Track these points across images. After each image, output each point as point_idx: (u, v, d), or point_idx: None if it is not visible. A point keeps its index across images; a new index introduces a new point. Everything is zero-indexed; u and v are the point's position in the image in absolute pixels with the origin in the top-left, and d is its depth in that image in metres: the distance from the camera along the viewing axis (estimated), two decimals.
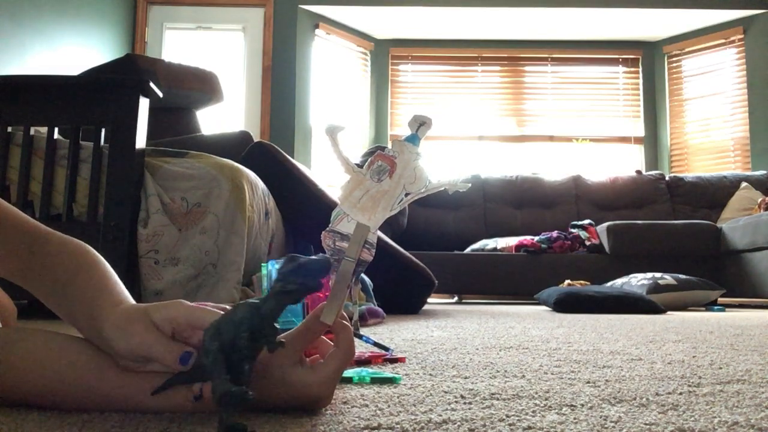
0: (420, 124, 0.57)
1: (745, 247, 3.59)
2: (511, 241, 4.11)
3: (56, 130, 1.92)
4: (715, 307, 3.24)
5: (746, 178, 4.58)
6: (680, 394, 0.67)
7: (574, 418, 0.54)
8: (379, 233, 0.71)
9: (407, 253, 2.52)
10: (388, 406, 0.59)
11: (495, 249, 4.13)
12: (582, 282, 3.42)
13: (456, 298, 4.59)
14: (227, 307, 0.60)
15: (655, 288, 3.08)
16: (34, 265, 0.58)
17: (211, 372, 0.48)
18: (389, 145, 1.91)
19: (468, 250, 4.27)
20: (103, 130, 1.88)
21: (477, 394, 0.65)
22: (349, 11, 5.16)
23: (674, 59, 5.51)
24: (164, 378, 0.53)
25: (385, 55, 5.58)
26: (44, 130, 1.93)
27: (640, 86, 5.58)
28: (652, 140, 5.53)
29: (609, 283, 3.46)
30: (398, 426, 0.51)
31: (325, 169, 4.91)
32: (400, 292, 2.40)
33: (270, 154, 2.38)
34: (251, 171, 2.07)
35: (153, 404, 0.53)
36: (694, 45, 5.38)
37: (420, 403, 0.61)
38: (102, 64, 2.71)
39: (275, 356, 0.53)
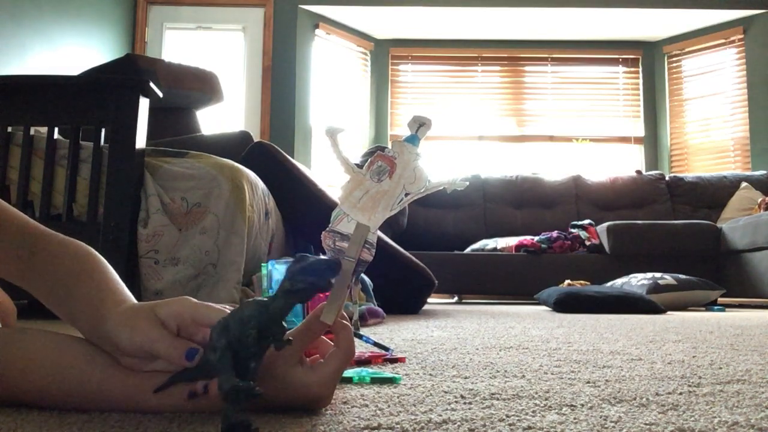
0: (420, 124, 0.57)
1: (745, 247, 3.59)
2: (511, 241, 4.11)
3: (56, 130, 1.92)
4: (715, 307, 3.24)
5: (746, 178, 4.58)
6: (680, 394, 0.67)
7: (574, 418, 0.54)
8: (379, 233, 0.71)
9: (407, 253, 2.52)
10: (388, 406, 0.59)
11: (495, 249, 4.13)
12: (582, 282, 3.42)
13: (456, 298, 4.59)
14: (228, 307, 0.60)
15: (655, 288, 3.08)
16: (35, 266, 0.58)
17: (217, 368, 0.48)
18: (389, 146, 1.91)
19: (468, 250, 4.27)
20: (103, 130, 1.88)
21: (477, 394, 0.65)
22: (349, 11, 5.16)
23: (674, 59, 5.51)
24: (165, 378, 0.53)
25: (385, 55, 5.59)
26: (44, 130, 1.93)
27: (640, 86, 5.58)
28: (652, 140, 5.53)
29: (609, 283, 3.46)
30: (398, 426, 0.51)
31: (325, 169, 4.91)
32: (400, 292, 2.40)
33: (270, 154, 2.38)
34: (251, 171, 2.07)
35: (153, 404, 0.53)
36: (694, 45, 5.38)
37: (420, 403, 0.61)
38: (102, 64, 2.71)
39: (275, 356, 0.53)
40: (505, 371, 0.83)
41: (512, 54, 5.65)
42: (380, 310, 1.88)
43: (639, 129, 5.56)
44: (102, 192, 1.83)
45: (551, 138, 5.58)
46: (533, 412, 0.57)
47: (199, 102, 2.89)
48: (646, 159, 5.51)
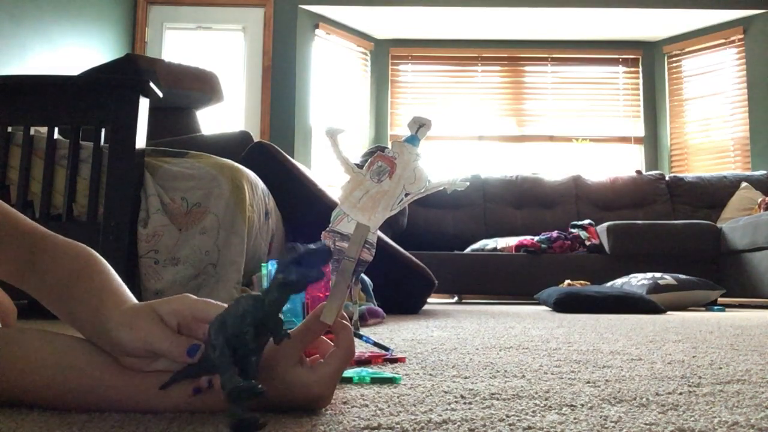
0: (419, 125, 0.57)
1: (745, 247, 3.59)
2: (511, 241, 4.11)
3: (56, 130, 1.92)
4: (715, 307, 3.24)
5: (746, 178, 4.58)
6: (680, 394, 0.67)
7: (574, 418, 0.54)
8: (379, 233, 0.71)
9: (407, 253, 2.52)
10: (388, 406, 0.59)
11: (495, 249, 4.13)
12: (582, 282, 3.42)
13: (456, 298, 4.59)
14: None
15: (655, 288, 3.08)
16: (35, 268, 0.58)
17: (218, 366, 0.48)
18: (389, 146, 1.91)
19: (468, 250, 4.27)
20: (103, 130, 1.88)
21: (477, 394, 0.65)
22: (349, 11, 5.16)
23: (674, 59, 5.51)
24: (166, 377, 0.53)
25: (385, 55, 5.59)
26: (44, 130, 1.93)
27: (640, 86, 5.58)
28: (652, 140, 5.53)
29: (609, 283, 3.46)
30: (398, 426, 0.51)
31: (325, 169, 4.91)
32: (400, 292, 2.40)
33: (270, 154, 2.38)
34: (251, 171, 2.07)
35: (153, 404, 0.53)
36: (694, 45, 5.39)
37: (420, 403, 0.61)
38: (102, 64, 2.71)
39: (275, 356, 0.53)
40: (505, 371, 0.83)
41: (512, 54, 5.65)
42: (380, 310, 1.88)
43: (639, 129, 5.56)
44: (102, 192, 1.83)
45: (551, 138, 5.59)
46: (533, 412, 0.57)
47: (199, 102, 2.89)
48: (646, 159, 5.51)
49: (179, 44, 5.10)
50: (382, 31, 5.49)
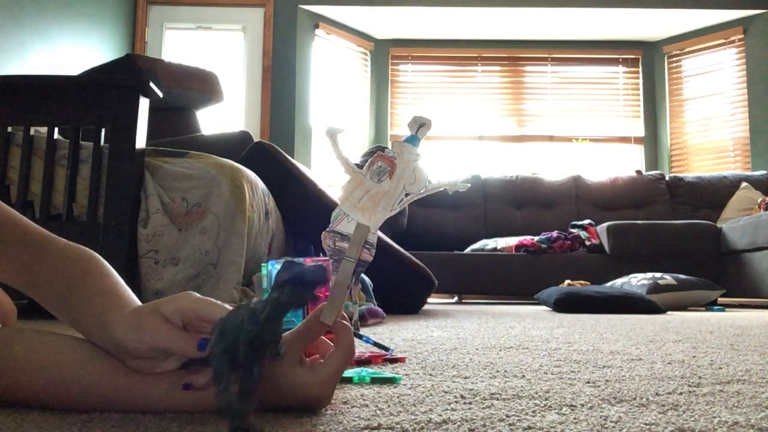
0: (420, 125, 0.57)
1: (745, 247, 3.59)
2: (511, 241, 4.11)
3: (56, 130, 1.92)
4: (715, 307, 3.24)
5: (746, 178, 4.58)
6: (680, 394, 0.67)
7: (574, 418, 0.54)
8: (380, 233, 0.71)
9: (407, 254, 2.52)
10: (388, 406, 0.59)
11: (495, 249, 4.13)
12: (582, 282, 3.42)
13: (456, 298, 4.59)
14: (227, 306, 0.60)
15: (655, 288, 3.08)
16: (38, 271, 0.58)
17: (215, 377, 0.47)
18: (389, 146, 1.91)
19: (468, 250, 4.27)
20: (103, 130, 1.88)
21: (477, 394, 0.65)
22: (349, 11, 5.16)
23: (674, 59, 5.51)
24: (167, 377, 0.53)
25: (385, 55, 5.59)
26: (44, 130, 1.93)
27: (640, 86, 5.58)
28: (652, 140, 5.53)
29: (609, 283, 3.46)
30: (398, 426, 0.51)
31: (325, 169, 4.91)
32: (400, 292, 2.40)
33: (270, 154, 2.38)
34: (251, 171, 2.07)
35: (153, 404, 0.54)
36: (694, 45, 5.39)
37: (420, 403, 0.61)
38: (102, 64, 2.71)
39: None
40: (505, 371, 0.83)
41: (512, 54, 5.65)
42: (380, 310, 1.88)
43: (639, 129, 5.56)
44: (102, 192, 1.83)
45: (551, 138, 5.59)
46: (533, 412, 0.57)
47: (199, 102, 2.89)
48: (646, 159, 5.51)
49: (179, 44, 5.10)
50: (382, 31, 5.49)
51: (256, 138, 3.01)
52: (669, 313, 2.76)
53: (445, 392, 0.66)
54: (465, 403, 0.60)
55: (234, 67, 5.06)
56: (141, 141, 1.86)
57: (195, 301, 0.54)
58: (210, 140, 2.50)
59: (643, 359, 0.97)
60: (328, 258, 0.58)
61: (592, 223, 4.29)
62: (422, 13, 5.17)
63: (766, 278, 3.41)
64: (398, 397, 0.63)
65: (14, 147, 1.91)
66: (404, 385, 0.71)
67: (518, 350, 1.09)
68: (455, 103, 5.61)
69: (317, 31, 5.20)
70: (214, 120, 3.91)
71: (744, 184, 4.51)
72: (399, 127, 5.56)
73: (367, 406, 0.59)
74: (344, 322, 0.57)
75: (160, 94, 1.96)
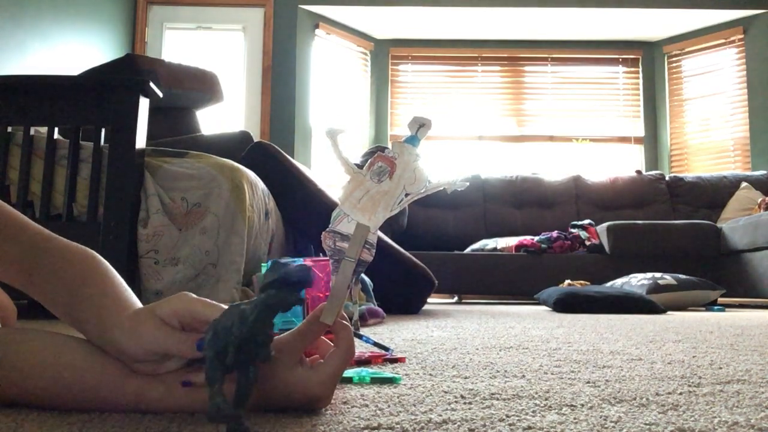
0: (420, 125, 0.57)
1: (745, 247, 3.59)
2: (511, 241, 4.11)
3: (56, 130, 1.92)
4: (715, 307, 3.24)
5: (746, 178, 4.58)
6: (680, 394, 0.67)
7: (574, 418, 0.54)
8: (380, 233, 0.71)
9: (407, 253, 2.52)
10: (388, 406, 0.59)
11: (495, 249, 4.13)
12: (582, 282, 3.42)
13: (456, 298, 4.59)
14: (224, 307, 0.60)
15: (655, 288, 3.08)
16: (38, 270, 0.58)
17: (208, 381, 0.47)
18: (389, 146, 1.92)
19: (468, 250, 4.27)
20: (103, 130, 1.88)
21: (477, 394, 0.65)
22: (349, 11, 5.16)
23: (674, 59, 5.51)
24: (167, 377, 0.53)
25: (385, 55, 5.59)
26: (44, 130, 1.93)
27: (640, 86, 5.58)
28: (652, 140, 5.53)
29: (609, 283, 3.46)
30: (398, 426, 0.51)
31: (325, 169, 4.91)
32: (400, 292, 2.40)
33: (270, 154, 2.38)
34: (251, 171, 2.07)
35: (153, 404, 0.54)
36: (694, 45, 5.39)
37: (420, 403, 0.61)
38: (102, 64, 2.71)
39: (275, 356, 0.53)
40: (505, 371, 0.83)
41: (512, 54, 5.65)
42: (380, 310, 1.88)
43: (639, 129, 5.56)
44: (102, 192, 1.83)
45: (551, 138, 5.59)
46: (533, 412, 0.57)
47: (199, 102, 2.89)
48: (646, 159, 5.51)
49: (179, 44, 5.10)
50: (382, 31, 5.49)
51: (256, 138, 3.01)
52: (669, 313, 2.76)
53: (445, 392, 0.66)
54: (465, 403, 0.60)
55: (234, 67, 5.06)
56: (141, 141, 1.86)
57: (190, 302, 0.54)
58: (210, 140, 2.50)
59: (643, 359, 0.97)
60: (328, 258, 0.58)
61: (592, 223, 4.29)
62: (422, 13, 5.17)
63: (766, 278, 3.41)
64: (398, 397, 0.63)
65: (14, 147, 1.91)
66: (404, 385, 0.71)
67: (518, 350, 1.09)
68: (455, 103, 5.61)
69: (317, 31, 5.20)
70: (214, 120, 3.91)
71: (744, 184, 4.51)
72: (399, 127, 5.56)
73: (367, 406, 0.59)
74: (344, 322, 0.57)
75: (160, 94, 1.96)
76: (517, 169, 5.07)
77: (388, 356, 0.92)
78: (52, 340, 0.55)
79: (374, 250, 0.57)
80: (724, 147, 5.26)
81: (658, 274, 3.24)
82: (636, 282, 3.23)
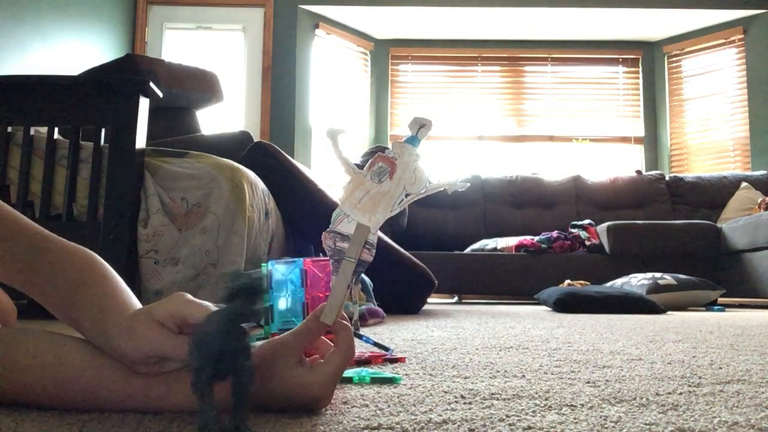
0: (420, 126, 0.58)
1: (745, 247, 3.59)
2: (511, 241, 4.11)
3: (56, 130, 1.92)
4: (715, 307, 3.24)
5: (746, 178, 4.58)
6: (680, 394, 0.67)
7: (574, 418, 0.54)
8: (380, 233, 0.71)
9: (407, 254, 2.52)
10: (388, 406, 0.59)
11: (495, 249, 4.13)
12: (582, 282, 3.42)
13: (456, 298, 4.59)
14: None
15: (655, 288, 3.08)
16: (38, 271, 0.58)
17: (196, 394, 0.46)
18: (389, 145, 1.91)
19: (468, 250, 4.27)
20: (103, 130, 1.88)
21: (477, 394, 0.65)
22: (349, 11, 5.16)
23: (674, 59, 5.51)
24: (167, 377, 0.54)
25: (385, 55, 5.59)
26: (44, 130, 1.93)
27: (640, 86, 5.58)
28: (652, 140, 5.53)
29: (609, 283, 3.46)
30: (398, 426, 0.51)
31: (325, 169, 4.91)
32: (400, 292, 2.40)
33: (270, 154, 2.38)
34: (251, 171, 2.07)
35: (153, 404, 0.54)
36: (694, 45, 5.38)
37: (420, 403, 0.61)
38: (102, 64, 2.70)
39: (275, 356, 0.54)
40: (505, 371, 0.83)
41: (512, 54, 5.65)
42: (380, 310, 1.88)
43: (639, 129, 5.56)
44: (102, 192, 1.83)
45: (551, 138, 5.59)
46: (533, 412, 0.57)
47: (199, 102, 2.89)
48: (646, 159, 5.51)
49: (179, 44, 5.10)
50: (382, 31, 5.49)
51: (256, 138, 3.01)
52: (669, 313, 2.76)
53: (445, 392, 0.66)
54: (465, 403, 0.60)
55: (234, 67, 5.06)
56: (141, 141, 1.86)
57: (185, 304, 0.53)
58: (210, 140, 2.50)
59: (643, 359, 0.97)
60: (328, 258, 0.58)
61: (592, 223, 4.29)
62: (422, 13, 5.17)
63: (766, 278, 3.41)
64: (398, 397, 0.63)
65: (14, 147, 1.91)
66: (404, 385, 0.71)
67: (518, 350, 1.09)
68: (455, 103, 5.61)
69: (317, 31, 5.20)
70: (214, 120, 3.91)
71: (744, 184, 4.51)
72: (399, 127, 5.56)
73: (367, 406, 0.59)
74: (344, 322, 0.57)
75: (160, 94, 1.96)
76: (517, 169, 5.07)
77: (388, 356, 0.92)
78: (52, 340, 0.55)
79: (374, 250, 0.57)
80: (724, 147, 5.26)
81: (658, 274, 3.24)
82: (636, 282, 3.23)
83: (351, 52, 5.46)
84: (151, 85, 1.87)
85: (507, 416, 0.55)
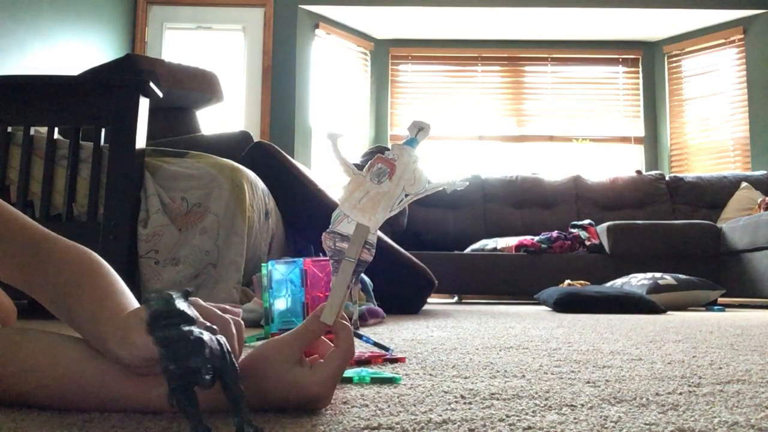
0: (419, 129, 0.58)
1: (745, 247, 3.59)
2: (511, 241, 4.11)
3: (56, 130, 1.92)
4: (715, 307, 3.24)
5: (746, 178, 4.58)
6: (680, 394, 0.67)
7: (574, 418, 0.54)
8: (379, 233, 0.71)
9: (407, 253, 2.52)
10: (388, 406, 0.59)
11: (495, 249, 4.13)
12: (582, 282, 3.42)
13: (456, 298, 4.59)
14: (227, 307, 0.60)
15: (655, 288, 3.08)
16: (38, 270, 0.58)
17: (182, 410, 0.45)
18: (389, 145, 1.92)
19: (468, 250, 4.27)
20: (103, 130, 1.88)
21: (477, 394, 0.66)
22: (349, 11, 5.16)
23: (674, 59, 5.51)
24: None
25: (385, 55, 5.59)
26: (44, 130, 1.93)
27: (640, 86, 5.58)
28: (652, 140, 5.53)
29: (609, 283, 3.46)
30: (398, 426, 0.51)
31: (325, 169, 4.91)
32: (400, 292, 2.40)
33: (270, 154, 2.38)
34: (251, 171, 2.07)
35: (153, 404, 0.54)
36: (694, 45, 5.38)
37: (420, 403, 0.61)
38: (102, 64, 2.71)
39: (275, 356, 0.54)
40: (505, 371, 0.83)
41: (512, 54, 5.65)
42: (380, 310, 1.88)
43: (639, 129, 5.56)
44: (102, 192, 1.83)
45: (551, 138, 5.58)
46: (533, 412, 0.57)
47: (199, 102, 2.89)
48: (646, 159, 5.51)
49: (179, 44, 5.10)
50: (382, 31, 5.49)
51: (256, 138, 3.01)
52: (669, 313, 2.76)
53: (445, 392, 0.66)
54: (465, 403, 0.60)
55: (234, 67, 5.06)
56: (141, 141, 1.86)
57: None
58: (210, 140, 2.50)
59: (643, 359, 0.97)
60: (328, 258, 0.58)
61: (592, 223, 4.29)
62: (422, 13, 5.17)
63: (766, 278, 3.41)
64: (398, 397, 0.63)
65: (14, 147, 1.91)
66: (404, 385, 0.71)
67: (518, 350, 1.09)
68: (455, 103, 5.61)
69: (317, 31, 5.20)
70: (214, 120, 3.91)
71: (744, 184, 4.50)
72: (399, 127, 5.56)
73: (367, 406, 0.59)
74: (344, 322, 0.57)
75: (160, 94, 1.96)
76: (517, 169, 5.07)
77: (388, 356, 0.92)
78: (52, 340, 0.55)
79: (374, 250, 0.58)
80: (724, 147, 5.26)
81: (658, 274, 3.24)
82: (636, 282, 3.23)
83: (351, 52, 5.46)
84: (151, 85, 1.87)
85: (507, 416, 0.55)
